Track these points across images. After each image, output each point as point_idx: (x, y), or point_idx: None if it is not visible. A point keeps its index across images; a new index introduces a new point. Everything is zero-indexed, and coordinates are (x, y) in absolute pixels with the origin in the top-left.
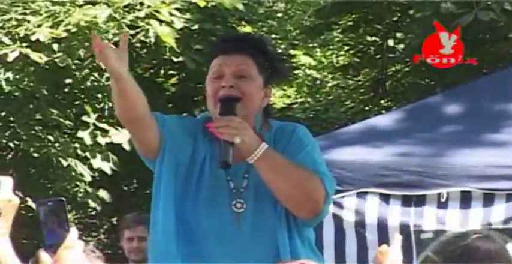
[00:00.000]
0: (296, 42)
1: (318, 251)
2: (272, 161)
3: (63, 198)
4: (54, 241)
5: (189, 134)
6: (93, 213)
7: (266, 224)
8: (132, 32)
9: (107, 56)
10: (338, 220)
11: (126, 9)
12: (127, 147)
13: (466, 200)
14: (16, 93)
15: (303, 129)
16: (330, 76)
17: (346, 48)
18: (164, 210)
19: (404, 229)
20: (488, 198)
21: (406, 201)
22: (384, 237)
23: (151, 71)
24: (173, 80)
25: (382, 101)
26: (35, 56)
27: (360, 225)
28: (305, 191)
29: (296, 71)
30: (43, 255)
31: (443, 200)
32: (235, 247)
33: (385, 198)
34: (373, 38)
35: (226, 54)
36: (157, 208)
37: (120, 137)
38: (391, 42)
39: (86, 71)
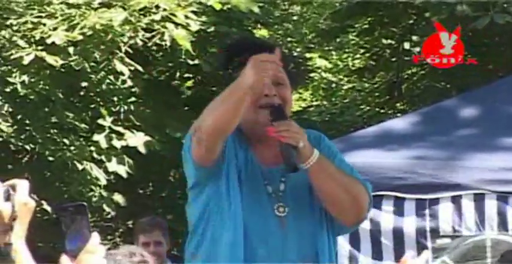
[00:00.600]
0: (312, 45)
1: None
2: (324, 167)
3: (85, 203)
4: (76, 246)
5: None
6: (109, 216)
7: (307, 227)
8: (147, 35)
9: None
10: None
11: (142, 12)
12: (142, 150)
13: (480, 202)
14: (31, 97)
15: (326, 137)
16: (345, 79)
17: (361, 51)
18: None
19: (420, 233)
20: (503, 201)
21: (421, 204)
22: (399, 242)
23: (167, 74)
24: (189, 83)
25: (397, 104)
26: (50, 59)
27: (376, 231)
28: (353, 197)
29: (312, 74)
30: (64, 260)
31: (458, 201)
32: (281, 250)
33: (400, 201)
34: (389, 41)
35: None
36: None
37: (136, 140)
38: (406, 45)
39: (102, 74)
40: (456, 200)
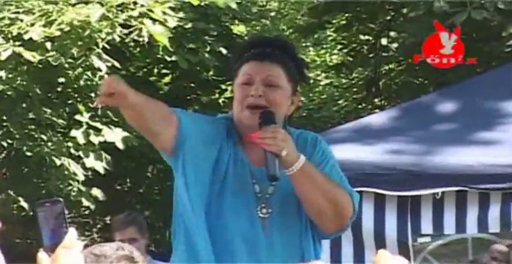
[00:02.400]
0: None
1: None
2: (309, 174)
3: (61, 199)
4: (53, 241)
5: (213, 141)
6: (87, 212)
7: (292, 231)
8: (125, 31)
9: (125, 94)
10: None
11: (120, 8)
12: (120, 146)
13: (461, 199)
14: (9, 92)
15: (323, 140)
16: (323, 75)
17: (339, 47)
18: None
19: (401, 231)
20: (484, 198)
21: (402, 201)
22: (380, 239)
23: (145, 70)
24: (166, 79)
25: (375, 100)
26: (28, 54)
27: (356, 226)
28: (337, 207)
29: None
30: (42, 255)
31: (438, 197)
32: (262, 251)
33: (381, 198)
34: (367, 37)
35: (258, 61)
36: (182, 214)
37: (113, 135)
38: (384, 41)
39: (79, 70)
40: (437, 198)
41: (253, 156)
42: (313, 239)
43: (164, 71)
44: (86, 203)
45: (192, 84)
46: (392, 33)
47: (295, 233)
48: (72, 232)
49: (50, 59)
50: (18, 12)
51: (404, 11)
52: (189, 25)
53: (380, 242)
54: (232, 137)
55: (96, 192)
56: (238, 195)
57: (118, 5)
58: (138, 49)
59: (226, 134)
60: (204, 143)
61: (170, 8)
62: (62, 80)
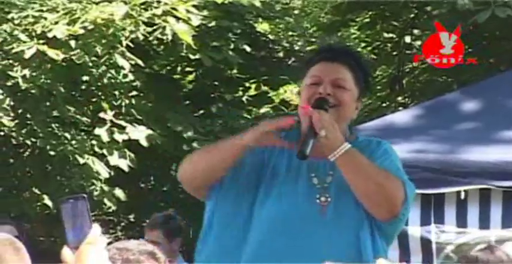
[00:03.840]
0: (313, 39)
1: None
2: (354, 160)
3: (85, 195)
4: (77, 237)
5: (260, 152)
6: (110, 210)
7: (348, 218)
8: (149, 29)
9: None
10: None
11: (143, 6)
12: (144, 143)
13: (485, 198)
14: (33, 91)
15: (388, 143)
16: None
17: (363, 45)
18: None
19: (424, 229)
20: (508, 196)
21: (425, 199)
22: (403, 236)
23: (168, 68)
24: (190, 77)
25: (399, 98)
26: (51, 53)
27: None
28: (384, 191)
29: None
30: (66, 251)
31: (462, 198)
32: (318, 234)
33: None
34: (390, 35)
35: (327, 62)
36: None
37: (137, 133)
38: (408, 39)
39: (103, 68)
40: (461, 196)
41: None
42: (372, 231)
43: (188, 69)
44: (108, 203)
45: (216, 82)
46: (416, 31)
47: (351, 221)
48: (96, 228)
49: (73, 57)
50: (42, 11)
51: (428, 9)
52: (213, 23)
53: (403, 240)
54: (294, 134)
55: (118, 192)
56: (296, 188)
57: (142, 3)
58: (161, 47)
59: (283, 138)
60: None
61: (194, 6)
62: (85, 78)
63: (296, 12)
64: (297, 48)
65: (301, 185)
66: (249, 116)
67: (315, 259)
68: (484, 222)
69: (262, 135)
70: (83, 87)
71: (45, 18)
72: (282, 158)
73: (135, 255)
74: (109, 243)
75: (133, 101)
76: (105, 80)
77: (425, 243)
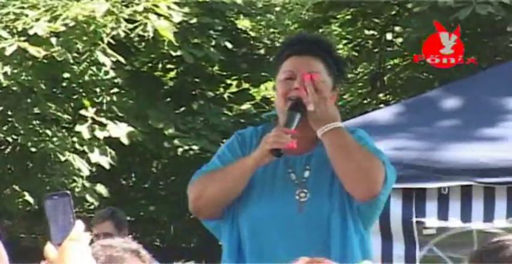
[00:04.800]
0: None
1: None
2: (340, 137)
3: (68, 192)
4: (61, 234)
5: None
6: (92, 207)
7: (321, 211)
8: (130, 26)
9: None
10: None
11: (124, 3)
12: (125, 141)
13: (467, 194)
14: (14, 88)
15: (363, 131)
16: None
17: (344, 42)
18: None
19: (406, 224)
20: (489, 192)
21: (407, 195)
22: (386, 232)
23: (150, 65)
24: (171, 74)
25: (380, 95)
26: (32, 50)
27: None
28: (366, 170)
29: None
30: (49, 248)
31: (444, 193)
32: (296, 234)
33: None
34: (371, 32)
35: (298, 56)
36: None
37: (118, 131)
38: (389, 36)
39: (84, 65)
40: (443, 191)
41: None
42: (344, 220)
43: (169, 65)
44: (90, 199)
45: (197, 79)
46: (397, 28)
47: (324, 213)
48: (79, 224)
49: (54, 54)
50: (23, 8)
51: (409, 6)
52: (194, 20)
53: (386, 232)
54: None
55: (100, 188)
56: (276, 185)
57: (123, 0)
58: (143, 44)
59: (259, 137)
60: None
61: (175, 3)
62: (66, 75)
63: (277, 9)
64: (278, 45)
65: (279, 182)
66: (230, 113)
67: (295, 254)
68: (466, 218)
69: (271, 153)
70: (64, 84)
71: (27, 15)
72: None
73: (119, 252)
74: (91, 241)
75: (114, 98)
76: (86, 77)
77: (408, 236)
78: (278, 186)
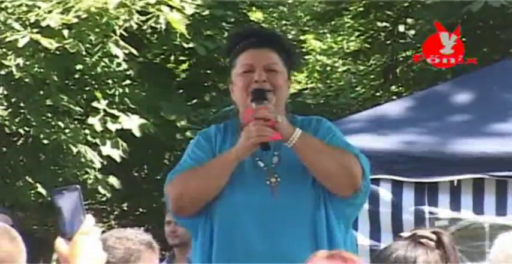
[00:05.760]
0: (306, 28)
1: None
2: (309, 143)
3: (78, 186)
4: (71, 228)
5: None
6: (104, 199)
7: (301, 197)
8: (142, 18)
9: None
10: None
11: None
12: (137, 133)
13: (478, 187)
14: (26, 80)
15: (328, 121)
16: (340, 62)
17: (356, 33)
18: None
19: (419, 217)
20: (502, 185)
21: (419, 188)
22: (398, 223)
23: (162, 57)
24: (184, 66)
25: (392, 87)
26: (45, 41)
27: (374, 212)
28: (343, 168)
29: (306, 57)
30: (60, 242)
31: (455, 185)
32: (270, 215)
33: (398, 185)
34: (384, 24)
35: (254, 49)
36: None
37: (130, 123)
38: (401, 28)
39: (97, 57)
40: (455, 185)
41: None
42: (326, 210)
43: (181, 58)
44: (102, 191)
45: (209, 71)
46: (409, 20)
47: (304, 200)
48: (89, 219)
49: (67, 46)
50: None
51: None
52: (207, 12)
53: (397, 227)
54: (230, 129)
55: (113, 180)
56: (244, 174)
57: None
58: (155, 36)
59: (223, 134)
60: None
61: None
62: (79, 67)
63: (290, 1)
64: (290, 37)
65: (248, 171)
66: None
67: (273, 241)
68: (478, 211)
69: (254, 147)
70: (77, 76)
71: (39, 7)
72: (224, 149)
73: (135, 245)
74: (102, 232)
75: (126, 90)
76: (99, 69)
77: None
78: (248, 174)
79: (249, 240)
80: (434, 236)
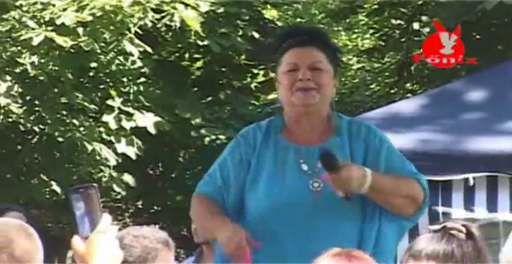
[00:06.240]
0: (321, 26)
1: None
2: (379, 186)
3: (95, 184)
4: (88, 227)
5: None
6: (119, 197)
7: (344, 205)
8: (157, 16)
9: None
10: None
11: None
12: (152, 130)
13: (492, 185)
14: (41, 77)
15: (377, 129)
16: (355, 59)
17: (371, 31)
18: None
19: (433, 216)
20: None
21: (433, 187)
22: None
23: (177, 54)
24: (198, 64)
25: (407, 84)
26: (60, 39)
27: None
28: (408, 198)
29: None
30: (76, 241)
31: (470, 184)
32: (311, 223)
33: None
34: (398, 22)
35: (299, 47)
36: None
37: (145, 120)
38: (416, 26)
39: (111, 54)
40: (470, 182)
41: (297, 138)
42: (380, 220)
43: (196, 55)
44: (117, 189)
45: (224, 69)
46: (424, 18)
47: (346, 207)
48: (106, 217)
49: (82, 44)
50: None
51: None
52: (221, 9)
53: (412, 228)
54: (273, 128)
55: (127, 178)
56: (285, 175)
57: None
58: (170, 34)
59: (264, 132)
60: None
61: None
62: (93, 64)
63: None
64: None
65: (290, 172)
66: (257, 103)
67: (318, 244)
68: (492, 209)
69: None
70: (91, 74)
71: (54, 5)
72: (265, 148)
73: (153, 243)
74: (118, 230)
75: (141, 88)
76: (113, 67)
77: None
78: (290, 176)
79: (284, 243)
80: (464, 228)
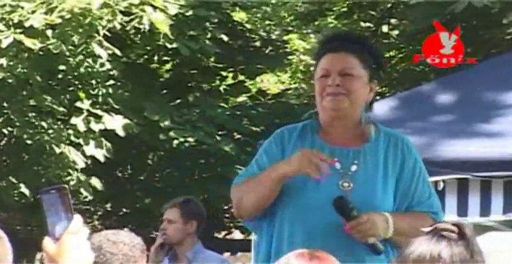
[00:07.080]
0: (290, 28)
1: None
2: (400, 229)
3: (66, 186)
4: (59, 228)
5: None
6: (87, 199)
7: (372, 207)
8: (126, 18)
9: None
10: None
11: None
12: (121, 133)
13: (463, 187)
14: (9, 80)
15: (413, 147)
16: None
17: None
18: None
19: None
20: (486, 186)
21: None
22: None
23: (145, 57)
24: (167, 66)
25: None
26: (28, 42)
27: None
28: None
29: (290, 57)
30: (47, 242)
31: (439, 188)
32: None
33: None
34: (367, 24)
35: (332, 53)
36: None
37: (114, 123)
38: (385, 29)
39: (80, 57)
40: (439, 186)
41: (332, 140)
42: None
43: (165, 58)
44: (84, 193)
45: (193, 71)
46: (393, 21)
47: (374, 207)
48: (77, 218)
49: (50, 46)
50: (19, 0)
51: None
52: (190, 12)
53: None
54: (310, 129)
55: (95, 181)
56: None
57: None
58: (138, 36)
59: (299, 132)
60: None
61: None
62: (62, 67)
63: (273, 1)
64: (274, 37)
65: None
66: (226, 105)
67: (334, 244)
68: (462, 211)
69: (309, 165)
70: (60, 76)
71: (22, 8)
72: (301, 146)
73: (132, 250)
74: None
75: (110, 90)
76: (82, 69)
77: None
78: (323, 176)
79: (313, 241)
80: (455, 228)
